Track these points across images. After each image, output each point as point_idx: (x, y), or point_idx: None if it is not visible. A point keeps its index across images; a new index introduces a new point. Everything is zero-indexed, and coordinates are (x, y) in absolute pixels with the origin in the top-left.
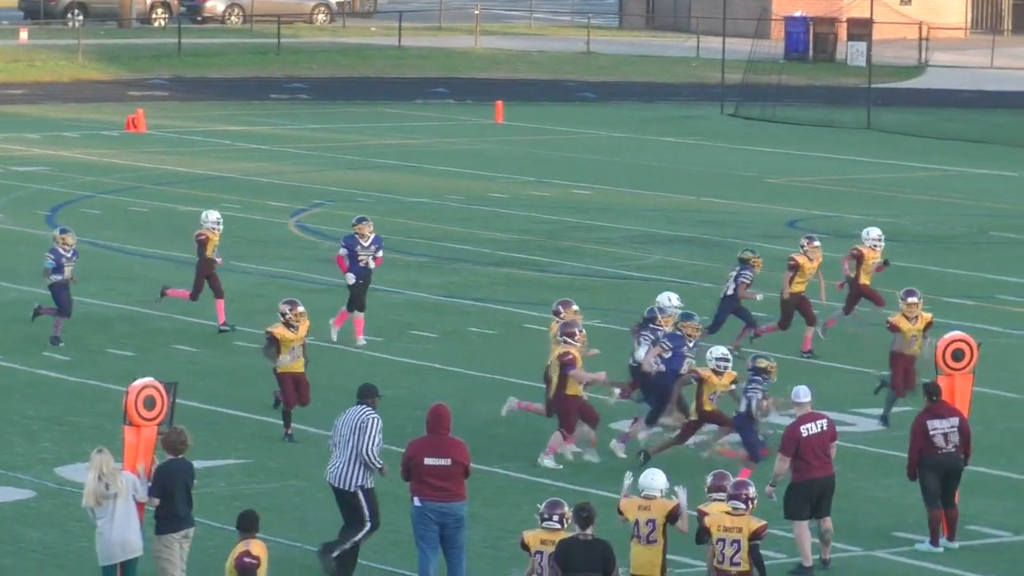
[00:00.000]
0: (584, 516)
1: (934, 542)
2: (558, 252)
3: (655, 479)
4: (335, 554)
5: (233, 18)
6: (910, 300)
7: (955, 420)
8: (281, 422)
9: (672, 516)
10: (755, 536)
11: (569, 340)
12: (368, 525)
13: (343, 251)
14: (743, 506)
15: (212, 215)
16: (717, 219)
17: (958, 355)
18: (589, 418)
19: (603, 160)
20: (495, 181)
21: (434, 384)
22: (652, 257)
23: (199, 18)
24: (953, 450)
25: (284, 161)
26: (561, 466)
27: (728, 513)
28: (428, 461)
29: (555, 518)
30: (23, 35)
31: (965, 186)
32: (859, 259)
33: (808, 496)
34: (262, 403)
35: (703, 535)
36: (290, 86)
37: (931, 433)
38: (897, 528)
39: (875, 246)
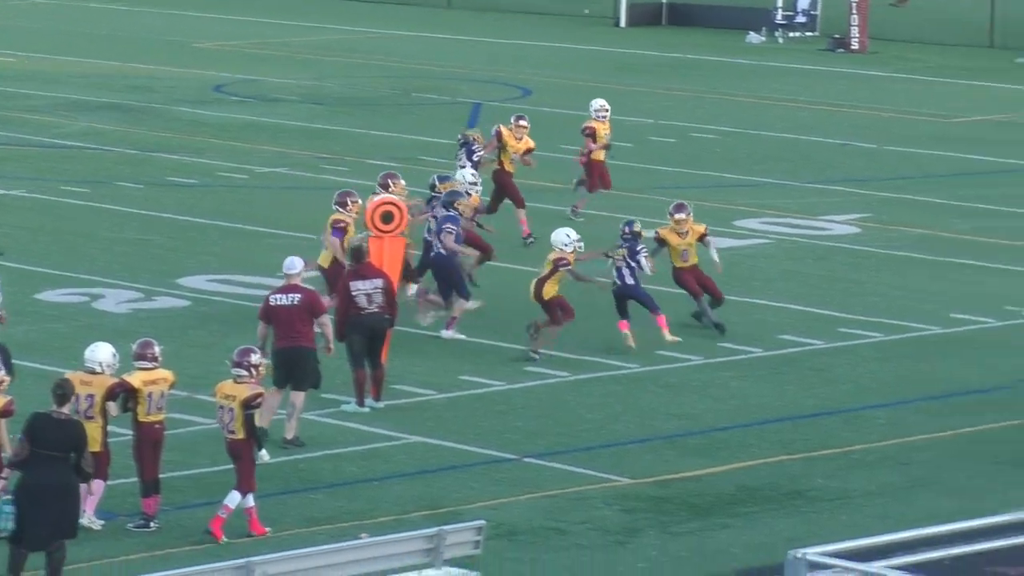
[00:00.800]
0: (60, 393)
1: (359, 402)
2: None
3: (96, 352)
4: None
5: None
6: (678, 216)
7: (379, 281)
8: None
9: (111, 394)
10: (247, 405)
11: (341, 210)
12: None
13: None
14: (246, 374)
15: None
16: (143, 84)
17: (387, 217)
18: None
19: (26, 26)
20: None
21: None
22: (78, 124)
23: None
24: (376, 310)
25: None
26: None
27: (232, 381)
28: None
29: None
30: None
31: (389, 48)
32: (592, 134)
33: (277, 364)
34: None
35: (129, 403)
36: None
37: (354, 294)
38: (325, 390)
39: (601, 116)
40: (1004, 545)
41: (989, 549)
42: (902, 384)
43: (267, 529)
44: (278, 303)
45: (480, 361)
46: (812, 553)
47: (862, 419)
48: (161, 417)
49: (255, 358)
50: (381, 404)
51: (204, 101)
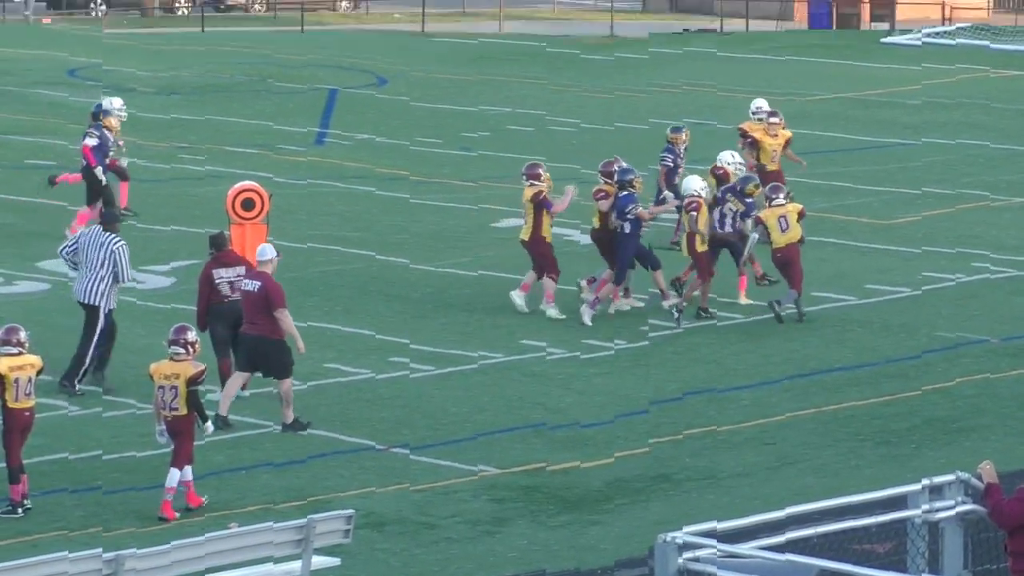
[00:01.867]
0: None
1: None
2: None
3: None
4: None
5: (257, 6)
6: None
7: (241, 269)
8: None
9: (193, 380)
10: (192, 382)
11: (536, 182)
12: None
13: None
14: (183, 351)
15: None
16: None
17: (248, 205)
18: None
19: None
20: None
21: None
22: None
23: (222, 6)
24: (240, 298)
25: None
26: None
27: (170, 360)
28: None
29: None
30: (46, 24)
31: (242, 37)
32: (754, 142)
33: (241, 348)
34: None
35: None
36: None
37: (217, 282)
38: None
39: (761, 120)
40: (870, 523)
41: (856, 527)
42: (766, 364)
43: (204, 499)
44: (244, 288)
45: (345, 349)
46: (681, 536)
47: (727, 399)
48: (31, 404)
49: (191, 335)
50: (247, 392)
51: (60, 83)
